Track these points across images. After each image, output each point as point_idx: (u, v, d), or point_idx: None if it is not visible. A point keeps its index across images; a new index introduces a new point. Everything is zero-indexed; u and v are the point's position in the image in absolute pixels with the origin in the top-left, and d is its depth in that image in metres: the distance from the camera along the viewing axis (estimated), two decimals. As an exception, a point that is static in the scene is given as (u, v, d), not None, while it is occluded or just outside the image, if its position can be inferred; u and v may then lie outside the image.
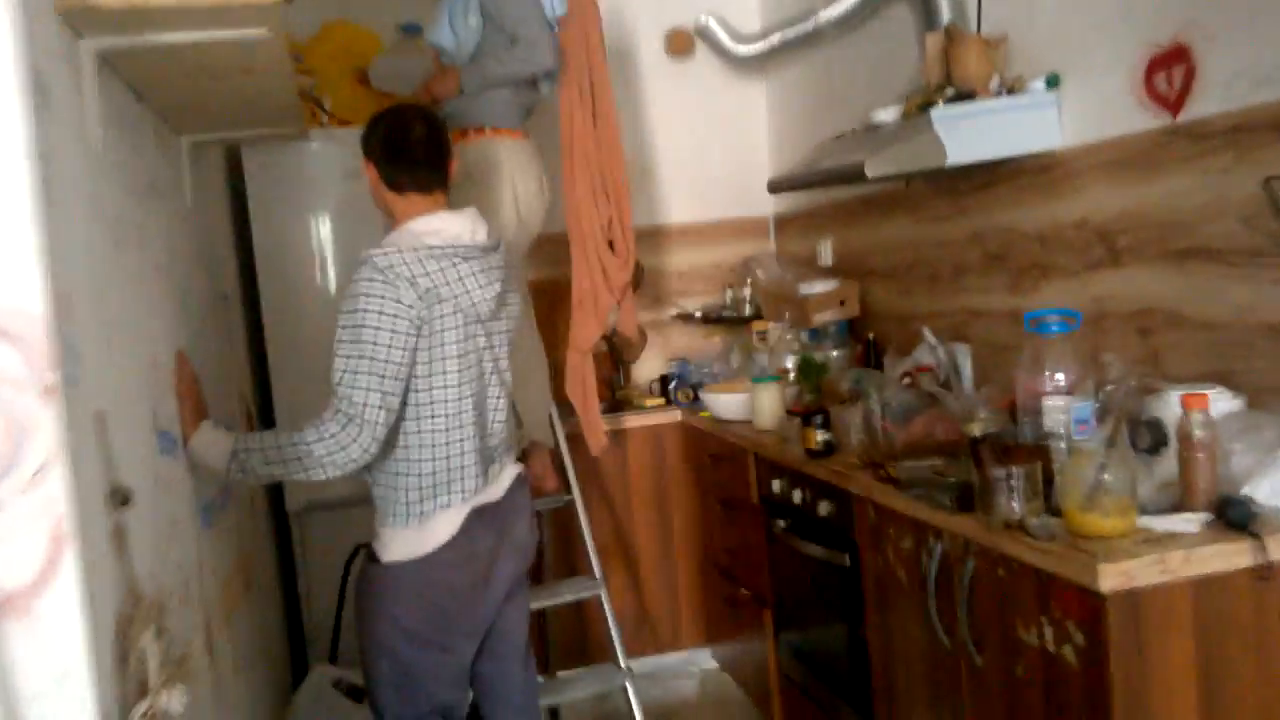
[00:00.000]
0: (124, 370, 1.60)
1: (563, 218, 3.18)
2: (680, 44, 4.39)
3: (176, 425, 1.98)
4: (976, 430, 2.03)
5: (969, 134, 2.58)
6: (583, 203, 3.07)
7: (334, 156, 3.35)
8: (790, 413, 3.00)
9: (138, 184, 1.86)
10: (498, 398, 2.27)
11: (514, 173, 2.87)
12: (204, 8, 1.42)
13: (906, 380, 2.88)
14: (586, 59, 3.05)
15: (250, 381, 3.30)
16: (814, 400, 3.31)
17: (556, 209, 3.11)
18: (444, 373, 2.11)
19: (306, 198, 3.36)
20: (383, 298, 2.02)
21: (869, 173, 2.58)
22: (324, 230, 3.39)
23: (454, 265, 2.10)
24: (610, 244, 3.12)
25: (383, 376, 2.02)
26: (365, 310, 2.02)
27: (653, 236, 4.39)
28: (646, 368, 4.35)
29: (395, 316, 2.03)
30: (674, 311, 4.39)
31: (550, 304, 3.83)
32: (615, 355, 4.16)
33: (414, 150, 2.18)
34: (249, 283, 3.36)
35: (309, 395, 3.27)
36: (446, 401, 2.12)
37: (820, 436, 2.70)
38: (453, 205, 2.89)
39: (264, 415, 3.39)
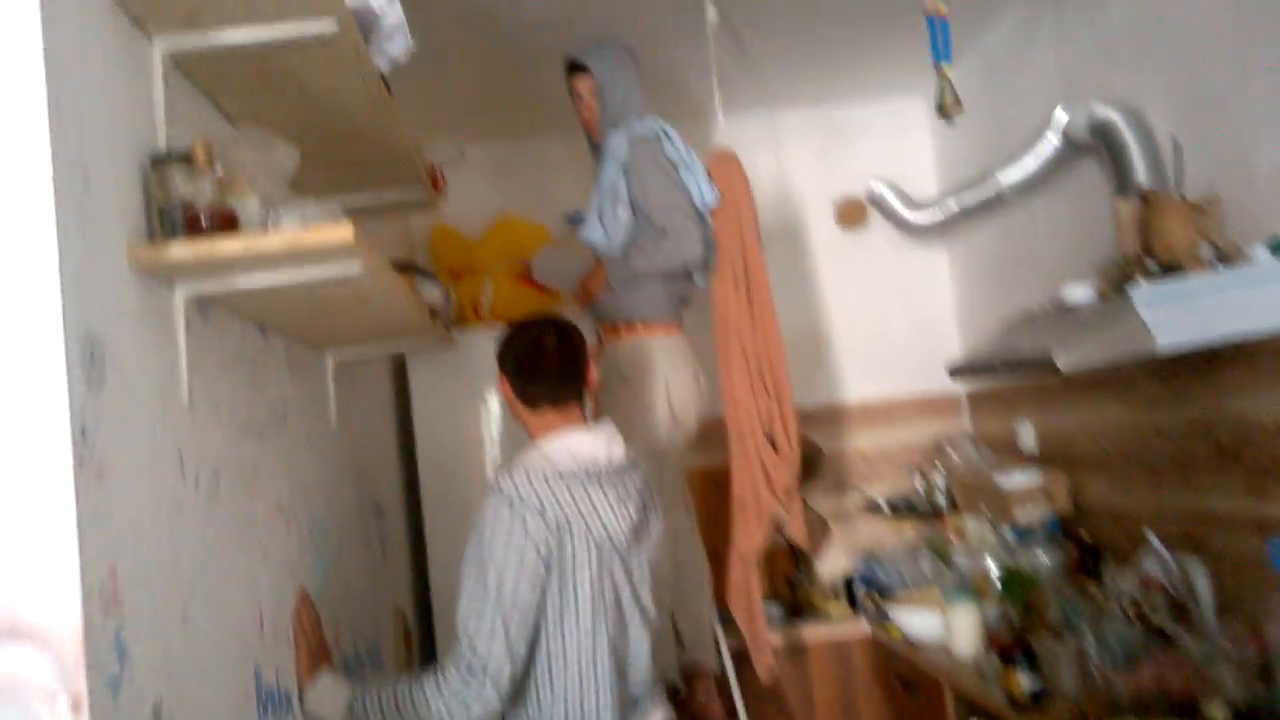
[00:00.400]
0: (208, 638, 1.47)
1: (722, 404, 2.96)
2: (852, 214, 4.20)
3: (291, 679, 1.84)
4: (1219, 710, 1.60)
5: (1179, 315, 2.20)
6: (741, 397, 2.85)
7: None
8: (990, 648, 2.58)
9: (253, 420, 1.80)
10: (640, 637, 2.03)
11: (667, 370, 2.70)
12: (280, 253, 1.33)
13: (1130, 606, 2.43)
14: (740, 244, 2.89)
15: (410, 593, 3.20)
16: (1020, 620, 2.87)
17: (717, 397, 2.91)
18: (576, 612, 1.90)
19: (471, 398, 3.33)
20: (510, 530, 1.85)
21: (1061, 365, 2.24)
22: (489, 431, 3.33)
23: (586, 491, 1.92)
24: (772, 440, 2.87)
25: (508, 620, 1.83)
26: (491, 544, 1.86)
27: (832, 417, 4.11)
28: (831, 563, 3.99)
29: (523, 552, 1.85)
30: (859, 500, 4.04)
31: (712, 497, 3.59)
32: (795, 551, 3.84)
33: (546, 363, 2.04)
34: (412, 486, 3.32)
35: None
36: (580, 645, 1.90)
37: (1025, 683, 2.28)
38: (602, 405, 2.77)
39: (424, 625, 3.28)
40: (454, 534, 3.19)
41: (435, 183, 2.57)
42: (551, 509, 1.87)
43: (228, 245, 1.32)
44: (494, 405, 3.33)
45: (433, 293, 2.20)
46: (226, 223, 1.36)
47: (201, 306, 1.58)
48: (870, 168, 4.16)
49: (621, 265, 2.74)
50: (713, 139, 3.03)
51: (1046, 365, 2.32)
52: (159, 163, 1.38)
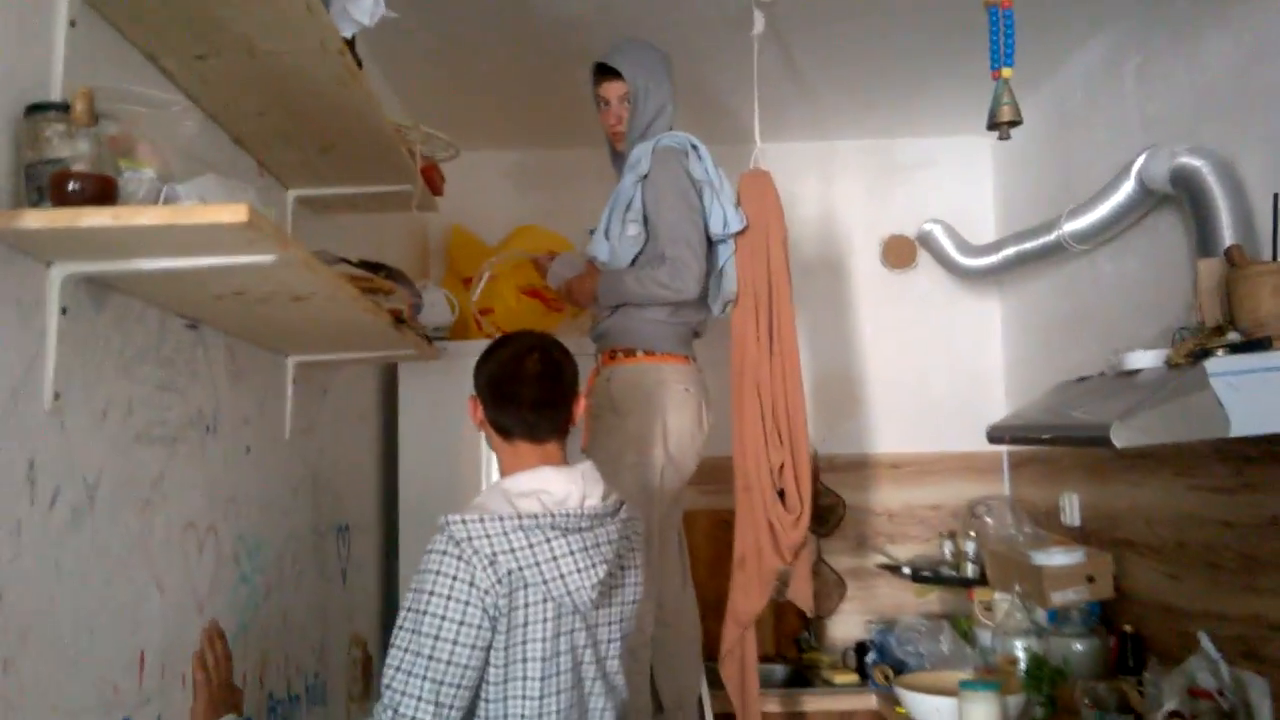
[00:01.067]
0: (48, 686, 1.23)
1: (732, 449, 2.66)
2: (900, 253, 3.90)
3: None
4: None
5: (1262, 397, 1.89)
6: (751, 444, 2.56)
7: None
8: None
9: (160, 426, 1.56)
10: (601, 710, 1.75)
11: (667, 404, 2.42)
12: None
13: (1172, 718, 2.11)
14: (766, 273, 2.60)
15: (377, 618, 2.95)
16: (1045, 717, 2.55)
17: (722, 434, 2.61)
18: (523, 679, 1.63)
19: (465, 415, 3.07)
20: (454, 579, 1.58)
21: (1118, 443, 1.94)
22: (483, 451, 3.07)
23: (548, 541, 1.64)
24: (781, 494, 2.57)
25: (440, 683, 1.56)
26: (432, 593, 1.59)
27: (859, 468, 3.81)
28: (843, 625, 3.67)
29: (466, 605, 1.58)
30: (879, 560, 3.72)
31: (719, 540, 3.29)
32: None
33: (525, 391, 1.76)
34: (390, 504, 3.07)
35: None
36: (524, 716, 1.63)
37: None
38: (593, 437, 2.50)
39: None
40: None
41: (431, 179, 2.33)
42: (504, 557, 1.60)
43: (92, 217, 1.08)
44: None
45: (403, 297, 1.95)
46: (101, 190, 1.11)
47: (95, 291, 1.34)
48: (924, 206, 3.87)
49: (614, 282, 2.46)
50: (754, 161, 2.74)
51: (1100, 440, 2.02)
52: (33, 113, 1.14)
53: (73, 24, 1.26)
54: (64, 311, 1.24)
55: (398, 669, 1.57)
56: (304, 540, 2.28)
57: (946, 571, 3.54)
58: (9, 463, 1.15)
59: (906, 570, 3.55)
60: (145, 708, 1.48)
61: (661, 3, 2.73)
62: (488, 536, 1.60)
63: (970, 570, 3.46)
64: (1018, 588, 3.05)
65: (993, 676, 2.75)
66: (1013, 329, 3.81)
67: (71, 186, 1.10)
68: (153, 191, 1.17)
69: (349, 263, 1.86)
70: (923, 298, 3.90)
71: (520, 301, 3.14)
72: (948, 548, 3.62)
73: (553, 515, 1.66)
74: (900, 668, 3.19)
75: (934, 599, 3.66)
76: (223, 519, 1.80)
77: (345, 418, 2.67)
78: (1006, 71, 1.48)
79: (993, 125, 1.53)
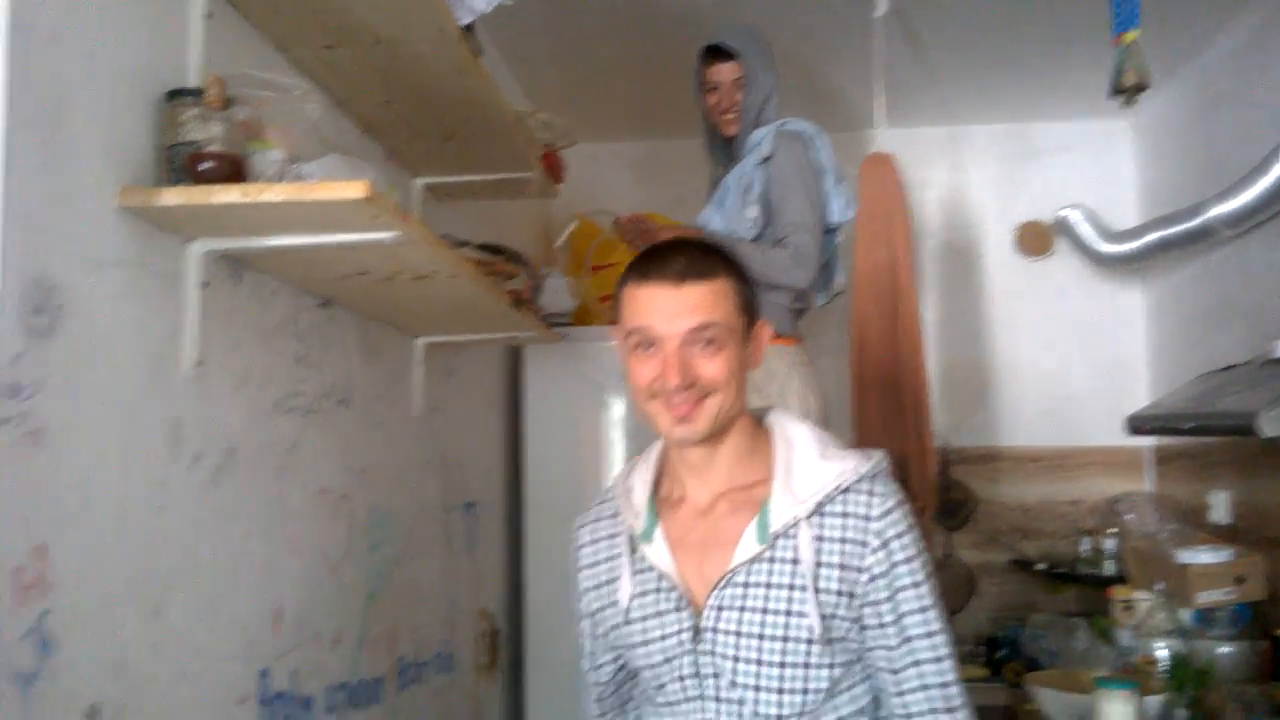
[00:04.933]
0: (193, 633, 1.32)
1: (851, 438, 2.61)
2: (1035, 240, 3.76)
3: (314, 681, 1.68)
4: None
5: None
6: (871, 432, 2.52)
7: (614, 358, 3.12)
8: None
9: (296, 397, 1.65)
10: None
11: (803, 386, 2.37)
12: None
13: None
14: (890, 257, 2.55)
15: (504, 594, 3.04)
16: (1186, 720, 2.43)
17: (839, 426, 2.54)
18: None
19: (587, 398, 3.13)
20: None
21: (1266, 432, 1.84)
22: (605, 434, 3.12)
23: None
24: (906, 484, 2.52)
25: None
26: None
27: (990, 461, 3.70)
28: (972, 621, 3.57)
29: None
30: (1011, 556, 3.61)
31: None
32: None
33: None
34: (516, 483, 3.15)
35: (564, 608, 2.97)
36: None
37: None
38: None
39: (514, 627, 3.10)
40: (555, 535, 3.01)
41: (553, 168, 2.38)
42: None
43: (223, 194, 1.16)
44: (613, 407, 3.12)
45: (523, 280, 2.00)
46: (232, 170, 1.20)
47: (233, 267, 1.44)
48: (1061, 192, 3.72)
49: (726, 244, 2.38)
50: (876, 146, 2.69)
51: (1246, 429, 1.92)
52: (171, 99, 1.23)
53: (209, 16, 1.35)
54: (205, 285, 1.33)
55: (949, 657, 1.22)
56: (432, 515, 2.37)
57: (1083, 569, 3.40)
58: (155, 423, 1.25)
59: (1041, 566, 3.43)
60: (282, 660, 1.57)
61: (781, -12, 2.72)
62: None
63: (1109, 568, 3.31)
64: (1161, 586, 2.91)
65: (1131, 677, 2.63)
66: (1157, 319, 3.63)
67: (205, 166, 1.18)
68: (280, 171, 1.25)
69: (471, 245, 1.93)
70: (1060, 286, 3.76)
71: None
72: (1085, 545, 3.47)
73: None
74: (1031, 665, 3.08)
75: (1069, 597, 3.53)
76: (357, 488, 1.89)
77: (472, 400, 2.76)
78: (1130, 35, 1.39)
79: (1117, 91, 1.44)
